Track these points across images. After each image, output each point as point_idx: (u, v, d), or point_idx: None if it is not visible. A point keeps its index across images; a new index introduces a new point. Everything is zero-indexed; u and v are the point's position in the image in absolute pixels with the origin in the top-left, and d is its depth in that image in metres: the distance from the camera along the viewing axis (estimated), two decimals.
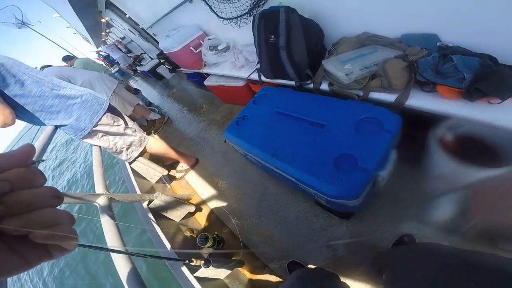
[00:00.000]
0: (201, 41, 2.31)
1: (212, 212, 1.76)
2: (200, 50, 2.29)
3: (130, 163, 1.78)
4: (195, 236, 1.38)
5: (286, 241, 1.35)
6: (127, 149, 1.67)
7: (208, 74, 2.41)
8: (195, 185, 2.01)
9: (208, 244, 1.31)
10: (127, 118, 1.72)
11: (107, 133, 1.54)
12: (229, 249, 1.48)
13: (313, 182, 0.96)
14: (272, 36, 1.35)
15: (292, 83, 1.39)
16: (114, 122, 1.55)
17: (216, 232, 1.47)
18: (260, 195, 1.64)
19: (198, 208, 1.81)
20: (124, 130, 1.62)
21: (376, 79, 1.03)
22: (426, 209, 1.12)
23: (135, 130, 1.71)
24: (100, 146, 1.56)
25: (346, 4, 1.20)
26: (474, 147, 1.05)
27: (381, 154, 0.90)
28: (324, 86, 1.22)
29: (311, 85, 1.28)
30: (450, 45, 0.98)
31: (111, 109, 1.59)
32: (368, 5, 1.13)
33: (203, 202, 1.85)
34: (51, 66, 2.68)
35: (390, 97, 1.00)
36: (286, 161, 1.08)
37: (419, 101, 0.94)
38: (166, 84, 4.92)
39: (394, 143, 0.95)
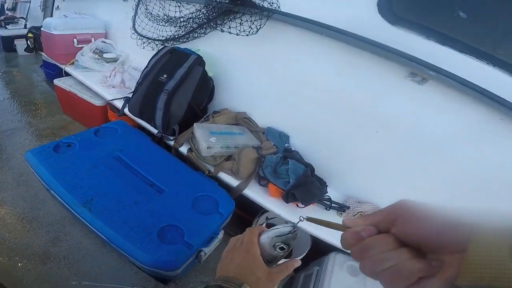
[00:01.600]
0: (92, 39, 1.92)
1: None
2: (82, 47, 1.85)
3: None
4: None
5: None
6: None
7: (68, 75, 1.90)
8: None
9: None
10: None
11: None
12: None
13: (127, 247, 0.80)
14: (165, 76, 1.26)
15: (154, 131, 1.27)
16: None
17: None
18: (55, 237, 1.23)
19: None
20: None
21: (230, 161, 1.11)
22: None
23: None
24: None
25: (245, 83, 1.38)
26: None
27: (209, 234, 0.90)
28: (183, 149, 1.18)
29: (172, 142, 1.21)
30: (293, 149, 1.27)
31: None
32: (256, 93, 1.36)
33: None
34: None
35: (234, 182, 1.08)
36: (99, 216, 0.86)
37: (253, 193, 1.07)
38: (10, 59, 3.53)
39: (224, 224, 0.98)
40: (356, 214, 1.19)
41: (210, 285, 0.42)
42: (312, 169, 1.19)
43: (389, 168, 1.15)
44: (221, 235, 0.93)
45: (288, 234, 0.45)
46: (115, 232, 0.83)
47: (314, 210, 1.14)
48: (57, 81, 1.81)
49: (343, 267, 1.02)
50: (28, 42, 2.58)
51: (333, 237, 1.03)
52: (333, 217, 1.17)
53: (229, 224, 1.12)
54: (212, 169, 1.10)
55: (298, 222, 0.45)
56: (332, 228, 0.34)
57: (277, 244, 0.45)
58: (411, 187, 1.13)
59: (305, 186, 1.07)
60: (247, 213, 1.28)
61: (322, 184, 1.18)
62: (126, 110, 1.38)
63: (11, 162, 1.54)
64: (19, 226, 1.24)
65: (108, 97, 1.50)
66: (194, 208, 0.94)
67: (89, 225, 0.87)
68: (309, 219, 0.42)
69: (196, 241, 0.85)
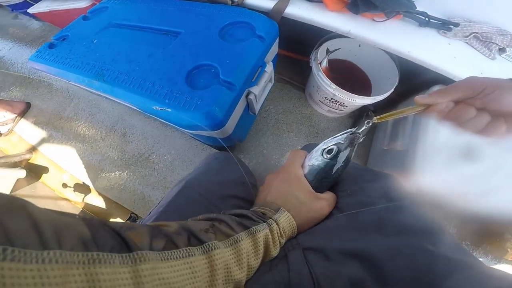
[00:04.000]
0: None
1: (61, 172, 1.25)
2: None
3: None
4: None
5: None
6: None
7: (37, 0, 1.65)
8: (31, 138, 1.37)
9: None
10: None
11: None
12: None
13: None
14: None
15: None
16: None
17: None
18: (123, 133, 1.28)
19: (43, 169, 1.25)
20: None
21: None
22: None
23: None
24: None
25: None
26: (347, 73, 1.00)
27: (251, 64, 0.63)
28: None
29: None
30: None
31: None
32: None
33: (48, 159, 1.30)
34: None
35: (268, 3, 0.75)
36: (115, 84, 0.67)
37: (300, 9, 0.73)
38: None
39: (270, 54, 0.71)
40: (469, 35, 0.76)
41: (244, 211, 0.34)
42: None
43: None
44: (269, 68, 0.67)
45: (342, 135, 0.35)
46: (137, 94, 0.63)
47: (402, 26, 0.75)
48: (32, 10, 1.58)
49: None
50: None
51: (440, 59, 0.69)
52: (432, 35, 0.77)
53: (280, 69, 0.90)
54: None
55: (363, 127, 0.34)
56: (409, 113, 0.32)
57: (326, 147, 0.35)
58: None
59: None
60: (300, 54, 0.98)
61: None
62: None
63: (52, 86, 1.56)
64: (97, 136, 1.31)
65: None
66: (223, 39, 0.68)
67: (113, 98, 0.71)
68: (380, 119, 0.33)
69: (237, 77, 0.60)
